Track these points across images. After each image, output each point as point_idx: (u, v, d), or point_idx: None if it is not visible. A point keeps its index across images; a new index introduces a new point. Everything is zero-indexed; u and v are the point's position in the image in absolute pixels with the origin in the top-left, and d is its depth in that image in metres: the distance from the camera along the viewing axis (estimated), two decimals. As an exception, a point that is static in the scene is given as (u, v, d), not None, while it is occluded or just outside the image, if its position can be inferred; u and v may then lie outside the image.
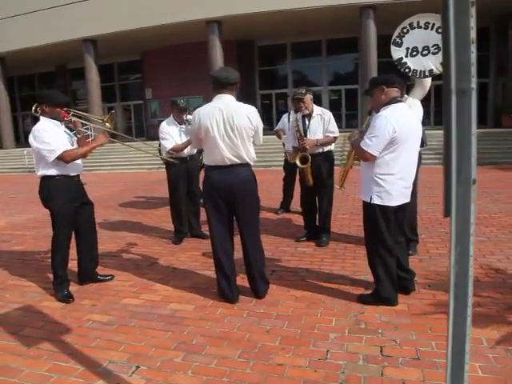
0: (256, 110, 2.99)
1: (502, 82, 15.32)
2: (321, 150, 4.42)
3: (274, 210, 6.10)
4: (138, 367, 2.29)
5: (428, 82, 3.66)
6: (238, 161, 2.91)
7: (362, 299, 3.02)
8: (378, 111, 2.88)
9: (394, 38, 3.57)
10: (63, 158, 3.12)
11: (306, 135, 4.37)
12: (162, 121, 4.90)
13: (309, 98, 4.41)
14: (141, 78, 20.75)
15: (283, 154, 6.37)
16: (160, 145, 6.23)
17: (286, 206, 6.04)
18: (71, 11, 16.21)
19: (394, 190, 2.79)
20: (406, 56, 3.55)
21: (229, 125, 2.84)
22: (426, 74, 3.51)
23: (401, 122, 2.71)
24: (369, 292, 3.10)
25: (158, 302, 3.14)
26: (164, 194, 8.13)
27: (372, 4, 13.78)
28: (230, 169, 2.91)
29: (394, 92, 2.80)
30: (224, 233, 3.05)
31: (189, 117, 4.85)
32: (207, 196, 3.00)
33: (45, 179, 3.24)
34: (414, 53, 3.50)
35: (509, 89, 15.13)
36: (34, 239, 5.20)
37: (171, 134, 4.60)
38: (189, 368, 2.26)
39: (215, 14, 14.69)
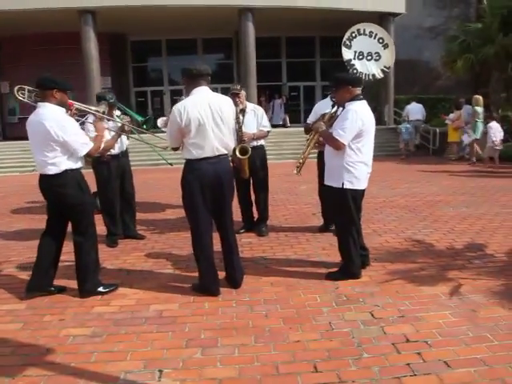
0: None
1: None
2: (255, 144, 4.63)
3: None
4: (161, 371, 2.18)
5: None
6: (224, 151, 2.99)
7: (332, 276, 3.34)
8: (341, 105, 3.25)
9: (344, 40, 4.00)
10: (91, 152, 2.93)
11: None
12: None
13: (243, 94, 4.58)
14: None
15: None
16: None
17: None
18: None
19: (361, 175, 3.19)
20: (354, 58, 4.01)
21: (218, 115, 2.90)
22: (370, 77, 4.02)
23: (366, 116, 3.13)
24: (335, 270, 3.43)
25: (135, 306, 2.96)
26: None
27: (250, 7, 14.42)
28: (217, 159, 2.96)
29: (358, 90, 3.18)
30: (209, 225, 3.06)
31: (117, 112, 4.54)
32: (194, 188, 2.95)
33: (69, 173, 2.91)
34: (361, 57, 3.98)
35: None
36: None
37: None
38: (215, 361, 2.25)
39: (88, 3, 13.56)
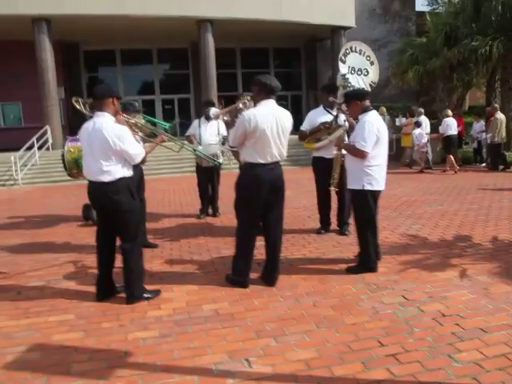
0: None
1: (314, 95, 18.50)
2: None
3: (194, 216, 6.25)
4: (248, 360, 2.40)
5: None
6: (279, 158, 3.33)
7: (352, 270, 3.70)
8: (355, 118, 3.69)
9: (340, 55, 4.48)
10: (142, 160, 3.11)
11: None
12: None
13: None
14: None
15: (194, 160, 6.54)
16: (64, 154, 5.63)
17: (205, 210, 6.25)
18: None
19: (379, 177, 3.61)
20: (349, 73, 4.47)
21: (280, 128, 3.26)
22: (361, 91, 4.51)
23: (379, 124, 3.57)
24: (353, 265, 3.80)
25: (187, 308, 3.13)
26: (39, 212, 7.18)
27: (209, 18, 14.70)
28: (273, 165, 3.30)
29: (367, 102, 3.61)
30: (257, 224, 3.35)
31: (142, 120, 4.62)
32: (251, 191, 3.26)
33: (122, 181, 3.01)
34: (353, 72, 4.45)
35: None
36: None
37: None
38: (291, 346, 2.52)
39: (44, 10, 13.11)
